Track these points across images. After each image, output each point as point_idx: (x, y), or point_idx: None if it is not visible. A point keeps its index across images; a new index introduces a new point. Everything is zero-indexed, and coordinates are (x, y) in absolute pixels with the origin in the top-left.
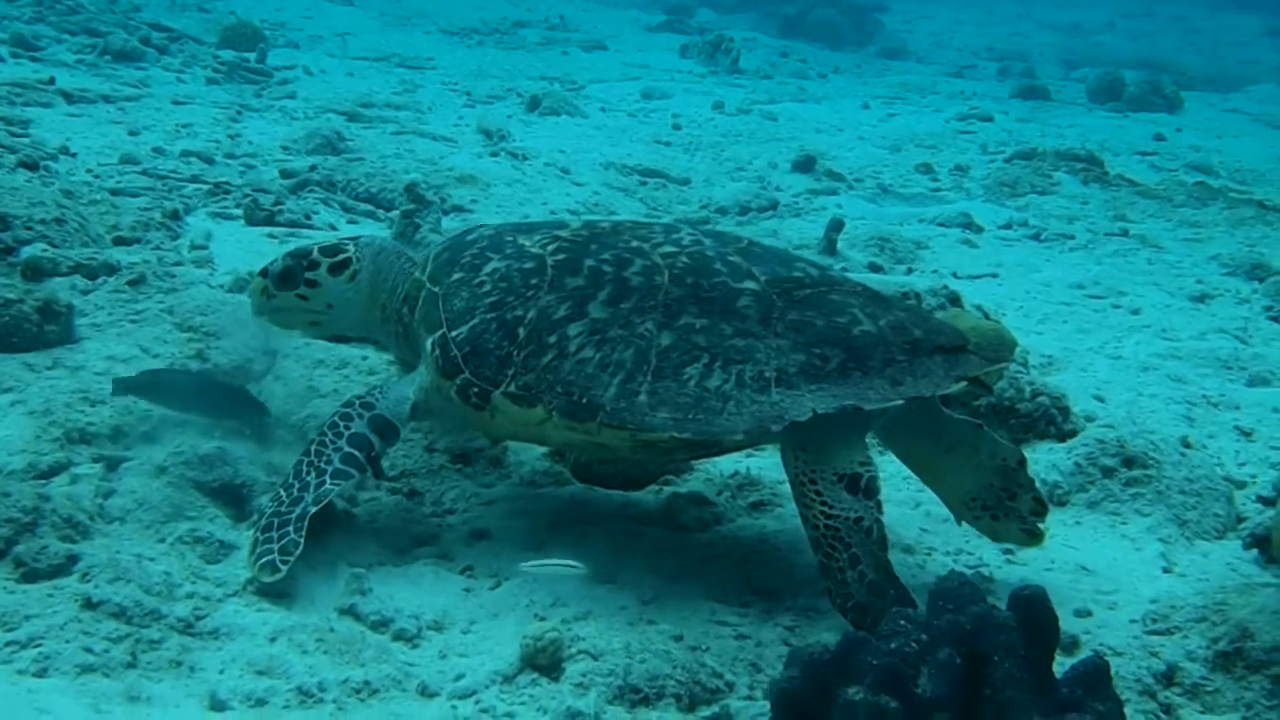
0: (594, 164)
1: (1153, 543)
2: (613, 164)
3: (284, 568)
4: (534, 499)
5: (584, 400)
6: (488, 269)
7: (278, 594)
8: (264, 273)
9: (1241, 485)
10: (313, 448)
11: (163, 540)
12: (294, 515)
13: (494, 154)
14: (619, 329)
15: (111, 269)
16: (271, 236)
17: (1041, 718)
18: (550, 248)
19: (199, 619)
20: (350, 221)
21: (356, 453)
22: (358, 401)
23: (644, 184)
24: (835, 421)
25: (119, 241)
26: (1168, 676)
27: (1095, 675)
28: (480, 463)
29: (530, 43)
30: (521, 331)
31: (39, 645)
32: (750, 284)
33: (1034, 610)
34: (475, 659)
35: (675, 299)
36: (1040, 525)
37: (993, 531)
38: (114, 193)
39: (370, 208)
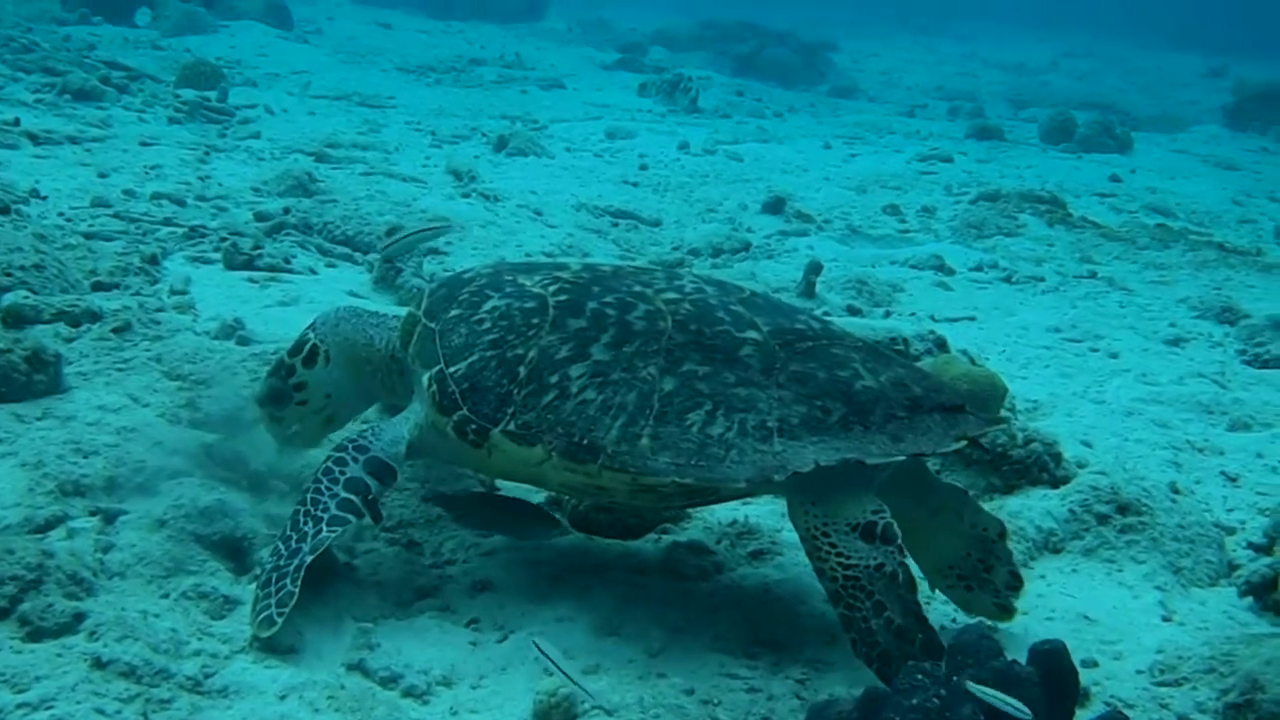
0: (565, 205)
1: (1150, 590)
2: (584, 205)
3: (280, 620)
4: (533, 549)
5: (585, 441)
6: (487, 306)
7: (285, 649)
8: (260, 402)
9: (1231, 531)
10: (308, 496)
11: (166, 596)
12: (291, 567)
13: (465, 195)
14: (621, 372)
15: (94, 316)
16: (252, 281)
17: None
18: (552, 288)
19: (207, 677)
20: (329, 265)
21: (353, 497)
22: (350, 445)
23: (615, 225)
24: (841, 474)
25: (98, 287)
26: None
27: None
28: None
29: (487, 81)
30: (522, 370)
31: (50, 708)
32: (753, 334)
33: (1054, 664)
34: (486, 716)
35: (678, 345)
36: (1014, 601)
37: (964, 602)
38: (87, 236)
39: (347, 250)
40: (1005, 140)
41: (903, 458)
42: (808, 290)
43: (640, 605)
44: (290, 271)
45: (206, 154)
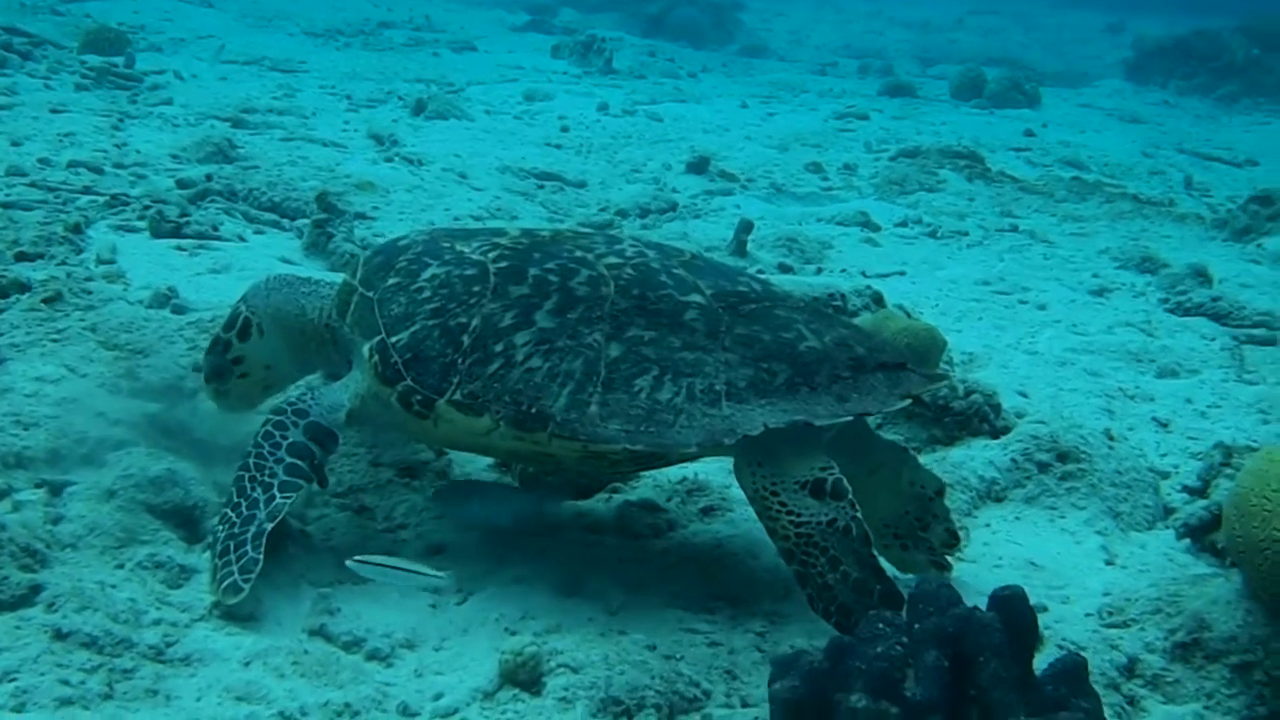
0: (490, 168)
1: (1091, 535)
2: (508, 168)
3: (246, 587)
4: None
5: (533, 410)
6: (426, 274)
7: (245, 616)
8: (205, 379)
9: (1165, 475)
10: (251, 461)
11: (121, 566)
12: (249, 534)
13: (388, 159)
14: (567, 339)
15: (22, 286)
16: (180, 249)
17: (1030, 717)
18: (491, 255)
19: (169, 645)
20: (257, 232)
21: (299, 462)
22: (289, 409)
23: (541, 187)
24: (788, 435)
25: (21, 257)
26: (1129, 669)
27: (1075, 672)
28: (427, 476)
29: (397, 44)
30: (466, 339)
31: (14, 679)
32: (697, 297)
33: (1014, 610)
34: (452, 676)
35: (622, 310)
36: (949, 559)
37: (900, 561)
38: (5, 206)
39: (274, 217)
40: (917, 97)
41: (849, 418)
42: (739, 249)
43: (597, 565)
44: (219, 239)
45: (120, 121)
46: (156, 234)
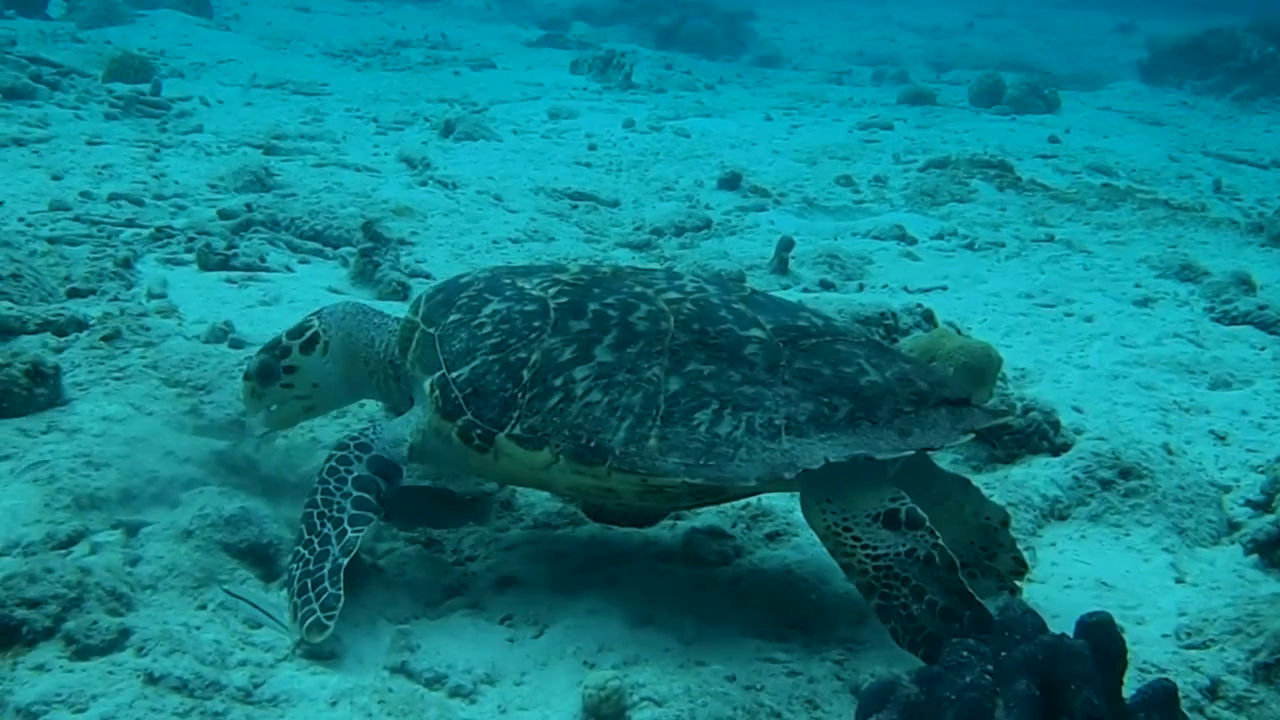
0: (523, 189)
1: (1159, 553)
2: (541, 189)
3: (330, 624)
4: (553, 541)
5: (592, 444)
6: (487, 310)
7: (326, 655)
8: (246, 376)
9: (1227, 489)
10: (318, 497)
11: (204, 607)
12: (326, 570)
13: (423, 183)
14: (626, 373)
15: (80, 324)
16: (230, 281)
17: None
18: (552, 290)
19: (256, 687)
20: (302, 261)
21: (367, 495)
22: (352, 444)
23: (575, 207)
24: (853, 470)
25: (74, 294)
26: (1211, 691)
27: (1165, 699)
28: (492, 506)
29: (415, 63)
30: (525, 374)
31: None
32: (757, 332)
33: (1103, 636)
34: (535, 713)
35: (682, 345)
36: (1019, 584)
37: None
38: (52, 241)
39: (317, 245)
40: (938, 105)
41: (911, 452)
42: (780, 267)
43: (668, 593)
44: (267, 270)
45: (157, 152)
46: (205, 266)
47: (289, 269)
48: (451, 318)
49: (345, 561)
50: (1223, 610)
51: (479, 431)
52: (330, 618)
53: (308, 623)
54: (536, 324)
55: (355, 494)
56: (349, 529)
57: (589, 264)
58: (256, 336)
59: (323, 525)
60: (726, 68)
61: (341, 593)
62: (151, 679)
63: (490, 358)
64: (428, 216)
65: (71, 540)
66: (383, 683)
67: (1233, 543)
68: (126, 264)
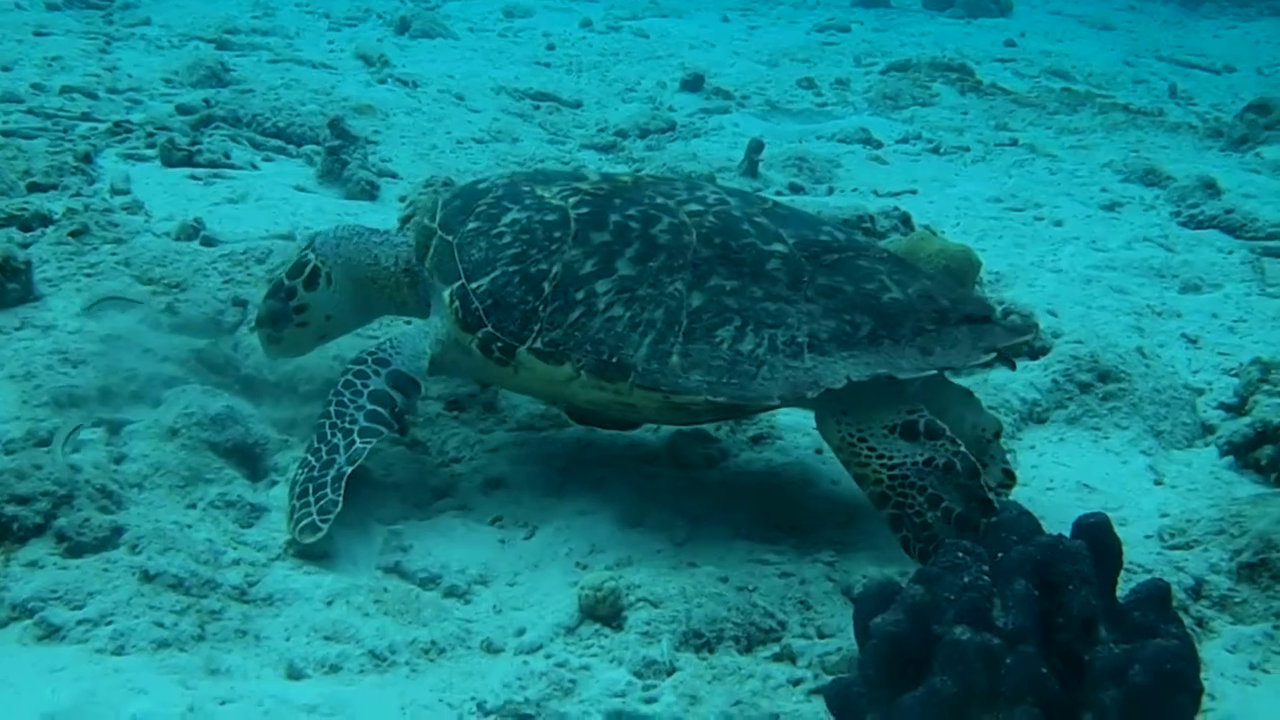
0: (484, 89)
1: (1136, 455)
2: (503, 88)
3: (324, 526)
4: (538, 444)
5: (614, 360)
6: (506, 219)
7: (319, 555)
8: (259, 323)
9: (1200, 392)
10: (331, 409)
11: (193, 506)
12: (329, 477)
13: (381, 81)
14: (648, 287)
15: (45, 219)
16: (195, 178)
17: (1121, 644)
18: (572, 200)
19: (251, 585)
20: (266, 159)
21: (381, 409)
22: (370, 358)
23: (538, 108)
24: (871, 387)
25: (34, 188)
26: (1196, 590)
27: (1159, 597)
28: (474, 408)
29: None
30: (546, 286)
31: (110, 622)
32: (779, 246)
33: (1099, 537)
34: (530, 612)
35: (704, 259)
36: (1006, 498)
37: None
38: (6, 134)
39: (280, 143)
40: (892, 7)
41: (933, 372)
42: (751, 169)
43: (656, 496)
44: (232, 167)
45: (107, 44)
46: (168, 163)
47: (254, 166)
48: (470, 225)
49: (350, 470)
50: (1205, 511)
51: (499, 344)
52: (325, 521)
53: (302, 524)
54: (557, 234)
55: (369, 407)
56: (358, 439)
57: (609, 173)
58: (227, 234)
59: (333, 435)
60: None
61: (340, 499)
62: (147, 576)
63: (511, 268)
64: (389, 115)
65: (53, 438)
66: (377, 582)
67: (1207, 445)
68: (87, 159)
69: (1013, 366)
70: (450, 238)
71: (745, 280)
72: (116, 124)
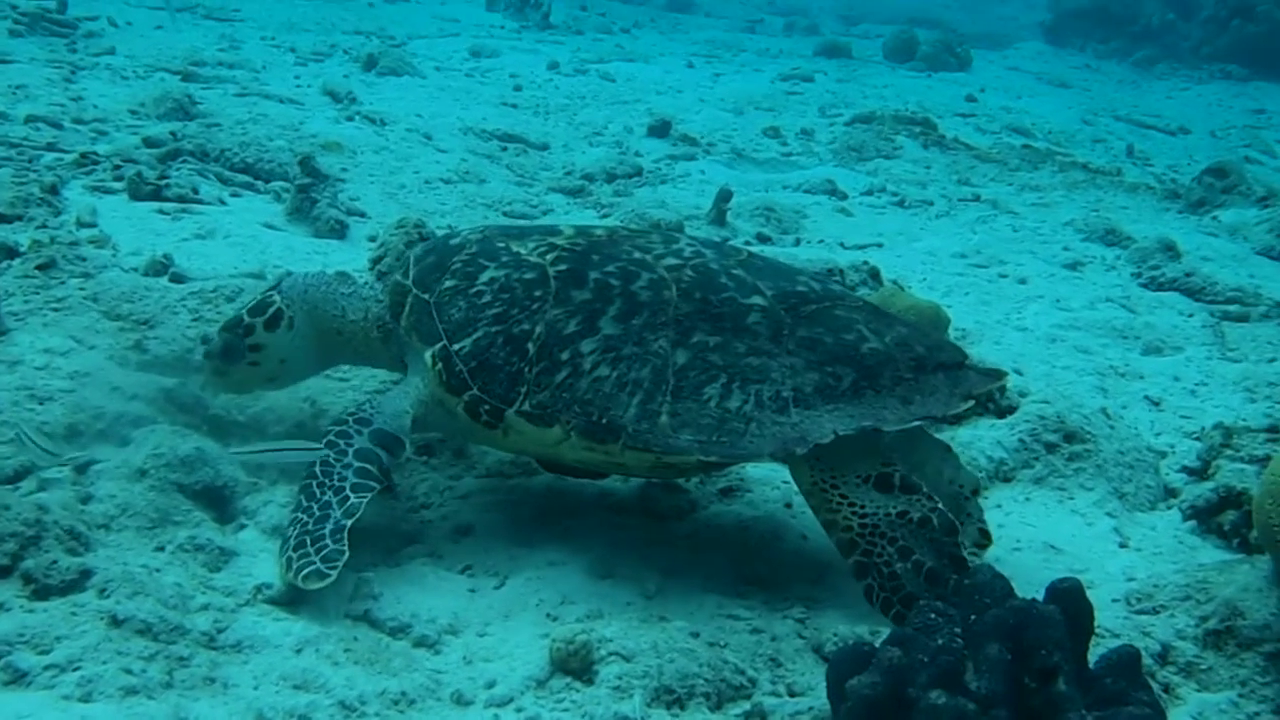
0: (452, 129)
1: (1102, 517)
2: (470, 129)
3: (332, 573)
4: (508, 491)
5: (604, 421)
6: (484, 278)
7: (287, 601)
8: (208, 355)
9: (1162, 455)
10: (317, 469)
11: (162, 549)
12: (327, 530)
13: (349, 118)
14: (633, 346)
15: (10, 251)
16: (163, 213)
17: (1093, 712)
18: (549, 257)
19: (220, 632)
20: (234, 194)
21: (369, 466)
22: (351, 419)
23: (505, 149)
24: (849, 436)
25: None
26: (1162, 656)
27: (1130, 664)
28: (444, 454)
29: None
30: (531, 347)
31: (78, 668)
32: (758, 299)
33: (1072, 602)
34: (501, 664)
35: (686, 315)
36: (978, 557)
37: None
38: None
39: (248, 178)
40: (854, 59)
41: (916, 423)
42: (719, 218)
43: (626, 547)
44: (200, 202)
45: (73, 73)
46: (136, 196)
47: (222, 202)
48: (446, 284)
49: (349, 523)
50: (1172, 576)
51: (487, 407)
52: (332, 568)
53: (305, 571)
54: (538, 293)
55: (357, 464)
56: (351, 495)
57: (583, 226)
58: (196, 271)
59: (323, 493)
60: (639, 11)
61: (346, 549)
62: (115, 621)
63: (493, 329)
64: (358, 153)
65: (18, 476)
66: (347, 630)
67: (1170, 508)
68: (54, 190)
69: (986, 409)
70: (427, 296)
71: (727, 335)
72: (83, 155)
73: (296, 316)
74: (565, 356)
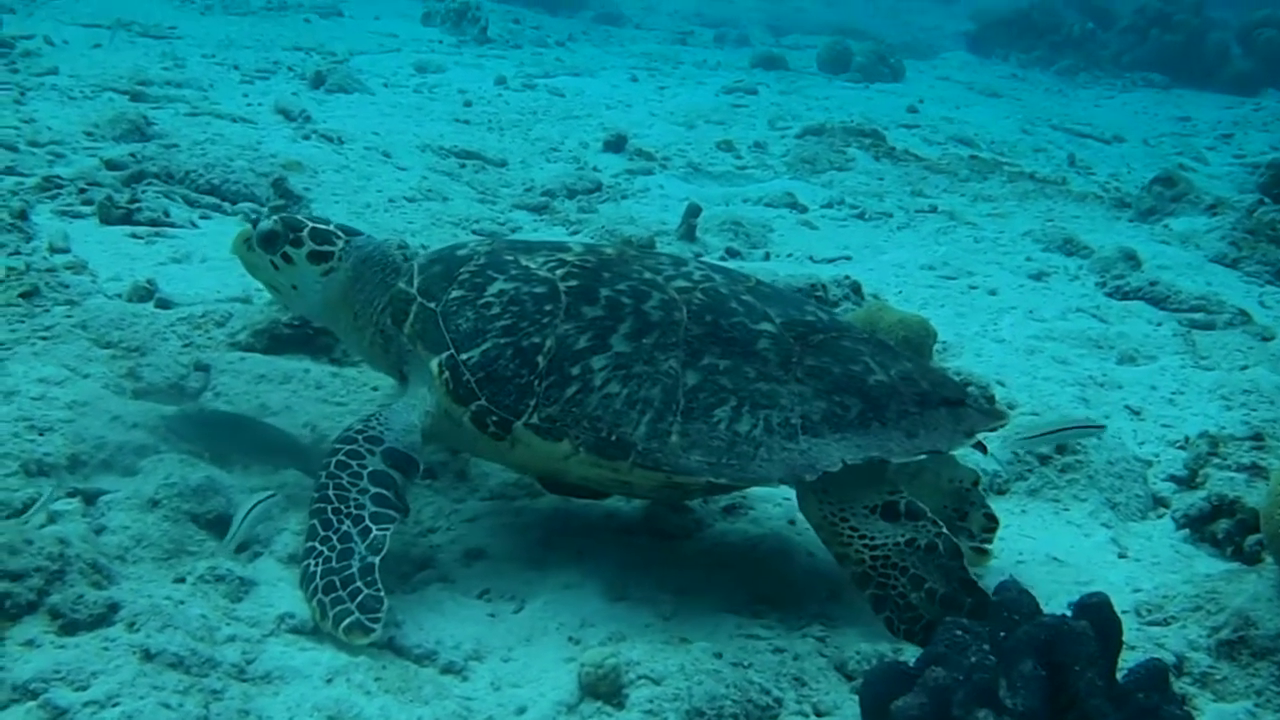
0: (410, 146)
1: (1097, 527)
2: (428, 146)
3: (376, 627)
4: (514, 513)
5: (614, 438)
6: (493, 289)
7: (310, 630)
8: (254, 222)
9: (1148, 464)
10: (330, 494)
11: (182, 580)
12: (355, 569)
13: (305, 137)
14: (644, 364)
15: None
16: (136, 237)
17: None
18: (559, 272)
19: (249, 663)
20: (203, 217)
21: (387, 493)
22: (361, 437)
23: (464, 166)
24: (854, 467)
25: None
26: (1177, 668)
27: (1159, 678)
28: (447, 476)
29: (257, 7)
30: (541, 360)
31: (117, 704)
32: (767, 326)
33: (1101, 617)
34: (529, 689)
35: (696, 337)
36: (989, 543)
37: None
38: None
39: (215, 200)
40: (790, 70)
41: (922, 456)
42: (688, 234)
43: (638, 568)
44: (172, 225)
45: (22, 94)
46: (106, 220)
47: (194, 224)
48: (454, 294)
49: (376, 560)
50: (1180, 587)
51: (495, 418)
52: (375, 621)
53: (345, 623)
54: (548, 307)
55: (374, 490)
56: (374, 527)
57: (591, 244)
58: (180, 296)
59: (340, 522)
60: (571, 24)
61: (381, 594)
62: (148, 655)
63: (502, 341)
64: (319, 172)
65: (26, 508)
66: (375, 659)
67: (1161, 517)
68: (23, 215)
69: (984, 450)
70: (433, 305)
71: (738, 359)
72: (46, 179)
73: (339, 272)
74: (576, 371)
